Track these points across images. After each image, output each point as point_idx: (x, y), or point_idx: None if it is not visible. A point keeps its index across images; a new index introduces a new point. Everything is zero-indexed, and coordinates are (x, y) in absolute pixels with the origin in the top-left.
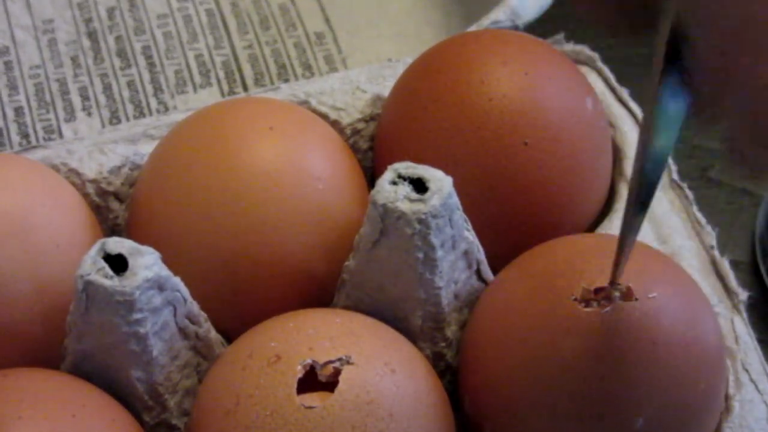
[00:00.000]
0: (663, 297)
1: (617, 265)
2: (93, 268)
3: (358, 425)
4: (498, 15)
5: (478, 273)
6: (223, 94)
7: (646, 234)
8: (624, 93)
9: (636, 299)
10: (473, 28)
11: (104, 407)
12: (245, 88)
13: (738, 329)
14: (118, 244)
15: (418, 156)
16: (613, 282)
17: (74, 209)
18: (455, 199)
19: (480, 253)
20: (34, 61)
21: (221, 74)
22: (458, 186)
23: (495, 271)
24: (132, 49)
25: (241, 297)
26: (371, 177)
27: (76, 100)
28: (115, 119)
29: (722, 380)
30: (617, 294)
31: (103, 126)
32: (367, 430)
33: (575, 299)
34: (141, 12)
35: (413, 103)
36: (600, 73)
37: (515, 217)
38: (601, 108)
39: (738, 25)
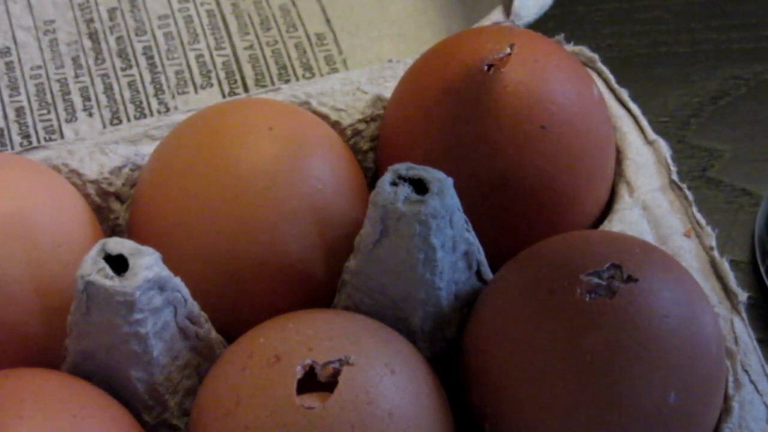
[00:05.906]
0: (661, 273)
1: None
2: (93, 268)
3: (357, 425)
4: (498, 15)
5: (479, 273)
6: (223, 95)
7: (645, 235)
8: (624, 93)
9: (637, 279)
10: None
11: (104, 407)
12: (246, 89)
13: (738, 330)
14: (118, 245)
15: (421, 156)
16: (611, 267)
17: (75, 210)
18: (455, 200)
19: (480, 254)
20: (35, 61)
21: (222, 75)
22: (461, 185)
23: (495, 271)
24: (133, 49)
25: (241, 297)
26: (373, 177)
27: (77, 101)
28: (116, 120)
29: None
30: (618, 279)
31: (104, 126)
32: (366, 430)
33: (581, 293)
34: (142, 13)
35: (416, 102)
36: (600, 73)
37: (519, 216)
38: (604, 99)
39: None
